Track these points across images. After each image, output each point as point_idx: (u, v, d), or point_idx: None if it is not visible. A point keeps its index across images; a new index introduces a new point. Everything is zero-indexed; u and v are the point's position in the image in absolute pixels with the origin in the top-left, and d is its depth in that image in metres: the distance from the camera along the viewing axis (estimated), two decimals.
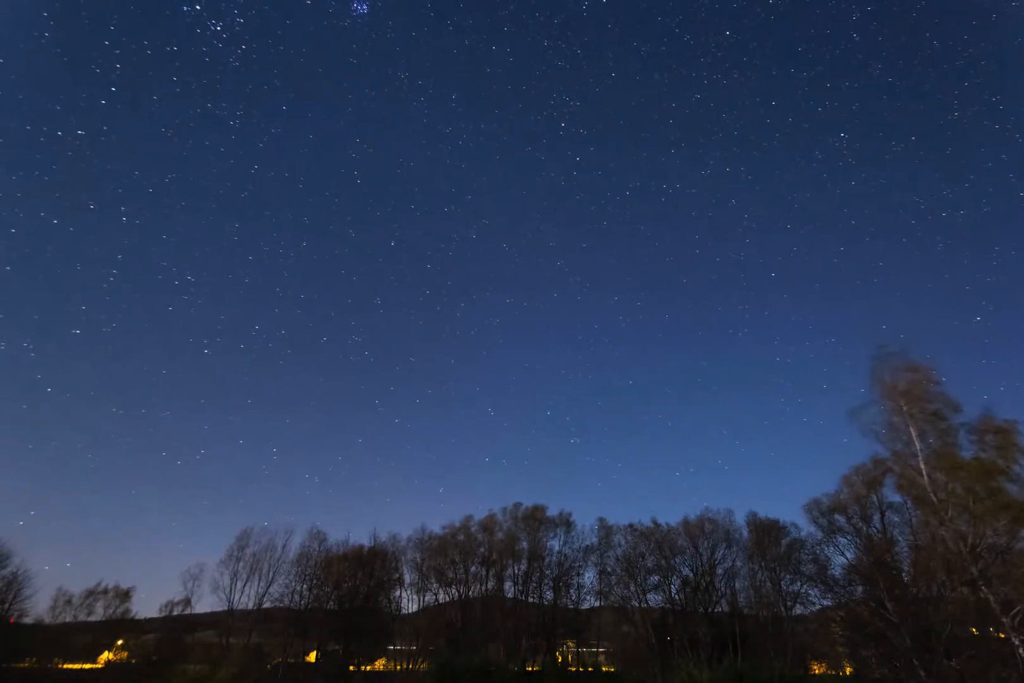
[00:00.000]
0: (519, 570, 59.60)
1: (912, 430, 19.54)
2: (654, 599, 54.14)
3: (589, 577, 60.14)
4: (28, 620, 53.65)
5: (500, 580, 59.27)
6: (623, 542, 57.77)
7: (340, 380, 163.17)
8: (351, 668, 53.37)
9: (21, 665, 51.38)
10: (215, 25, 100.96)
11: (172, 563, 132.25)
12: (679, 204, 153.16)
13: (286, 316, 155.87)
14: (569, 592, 58.78)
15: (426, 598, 59.27)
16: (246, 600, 54.57)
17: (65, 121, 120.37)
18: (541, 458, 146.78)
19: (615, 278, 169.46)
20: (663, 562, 54.02)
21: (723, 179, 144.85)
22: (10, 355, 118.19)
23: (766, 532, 53.87)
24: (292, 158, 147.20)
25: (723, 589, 53.85)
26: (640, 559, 54.90)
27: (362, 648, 55.29)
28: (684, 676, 41.58)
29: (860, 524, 42.76)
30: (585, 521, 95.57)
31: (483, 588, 59.31)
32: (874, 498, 42.37)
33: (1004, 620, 18.19)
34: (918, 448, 19.47)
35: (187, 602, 56.88)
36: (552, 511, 61.81)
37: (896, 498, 39.99)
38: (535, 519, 60.98)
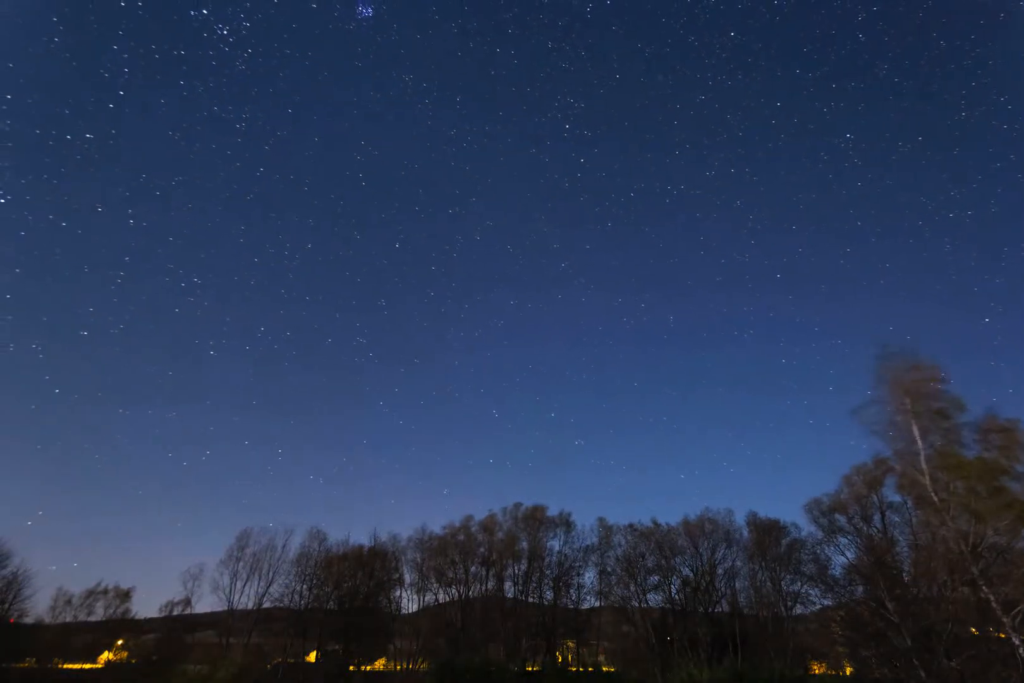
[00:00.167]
0: (519, 570, 59.65)
1: (915, 429, 19.55)
2: (654, 599, 54.23)
3: (589, 577, 60.20)
4: (28, 620, 53.67)
5: (500, 580, 59.30)
6: (623, 542, 57.86)
7: (344, 381, 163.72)
8: (351, 668, 53.38)
9: (21, 665, 51.35)
10: (222, 29, 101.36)
11: (172, 563, 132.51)
12: (683, 205, 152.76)
13: (291, 317, 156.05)
14: (569, 592, 58.84)
15: (426, 598, 59.38)
16: (246, 600, 54.65)
17: (74, 125, 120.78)
18: (545, 460, 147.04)
19: (619, 279, 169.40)
20: (663, 562, 54.05)
21: (728, 180, 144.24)
22: (19, 356, 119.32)
23: (766, 532, 53.90)
24: (297, 160, 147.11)
25: (723, 589, 53.92)
26: (640, 559, 54.93)
27: (362, 648, 55.31)
28: (684, 676, 41.57)
29: (860, 524, 42.83)
30: (585, 521, 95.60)
31: (483, 588, 59.36)
32: (875, 498, 42.46)
33: (1005, 620, 18.20)
34: (920, 447, 19.49)
35: (187, 602, 56.97)
36: (552, 511, 61.94)
37: (896, 498, 40.09)
38: (535, 519, 61.00)
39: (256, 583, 54.78)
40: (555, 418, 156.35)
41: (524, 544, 60.12)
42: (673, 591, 53.33)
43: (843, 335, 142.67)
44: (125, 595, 60.69)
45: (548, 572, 59.08)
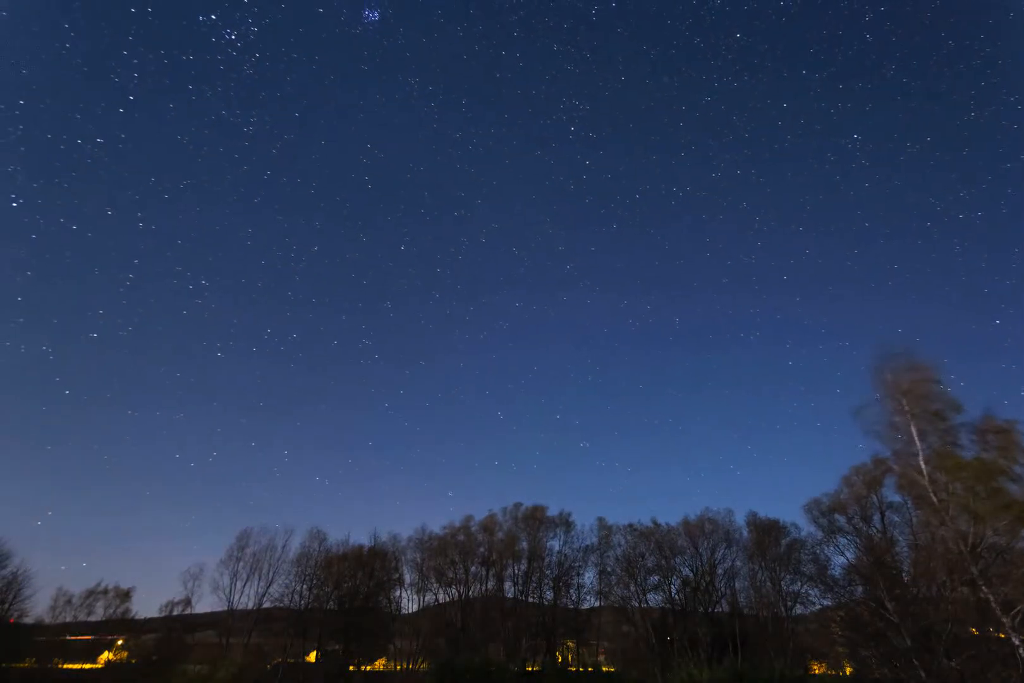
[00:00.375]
0: (519, 570, 59.68)
1: (913, 429, 19.56)
2: (654, 599, 54.27)
3: (589, 577, 60.27)
4: (28, 620, 53.67)
5: (500, 580, 59.34)
6: (623, 542, 57.92)
7: (350, 383, 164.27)
8: (351, 668, 53.39)
9: (21, 665, 51.37)
10: (230, 34, 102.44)
11: (172, 563, 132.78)
12: (689, 207, 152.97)
13: (297, 319, 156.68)
14: (569, 592, 58.88)
15: (426, 598, 59.43)
16: (246, 600, 54.67)
17: (84, 129, 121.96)
18: (550, 462, 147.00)
19: (625, 281, 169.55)
20: (663, 562, 54.07)
21: (734, 182, 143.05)
22: (30, 358, 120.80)
23: (766, 532, 53.91)
24: (304, 163, 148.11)
25: (723, 589, 53.95)
26: (640, 559, 54.96)
27: (362, 648, 55.30)
28: (684, 676, 41.60)
29: (860, 524, 42.84)
30: (585, 521, 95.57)
31: (483, 588, 59.40)
32: (874, 498, 42.47)
33: (1004, 620, 18.19)
34: (919, 448, 19.50)
35: (187, 602, 56.96)
36: (552, 511, 61.97)
37: (896, 498, 40.08)
38: (535, 519, 61.02)
39: (256, 583, 54.89)
40: (560, 420, 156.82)
41: (524, 544, 60.19)
42: (673, 591, 53.41)
43: (850, 337, 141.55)
44: (125, 595, 60.75)
45: (548, 572, 59.13)
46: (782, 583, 51.76)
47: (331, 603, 55.16)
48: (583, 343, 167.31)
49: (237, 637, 53.50)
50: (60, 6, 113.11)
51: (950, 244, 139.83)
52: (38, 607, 60.60)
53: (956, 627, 23.26)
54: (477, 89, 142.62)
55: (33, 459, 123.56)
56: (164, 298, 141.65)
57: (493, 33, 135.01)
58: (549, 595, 58.65)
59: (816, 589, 46.44)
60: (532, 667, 52.99)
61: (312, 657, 54.81)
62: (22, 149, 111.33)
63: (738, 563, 54.45)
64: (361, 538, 71.84)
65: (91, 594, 59.87)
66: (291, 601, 54.32)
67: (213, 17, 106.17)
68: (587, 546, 59.54)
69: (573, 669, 54.10)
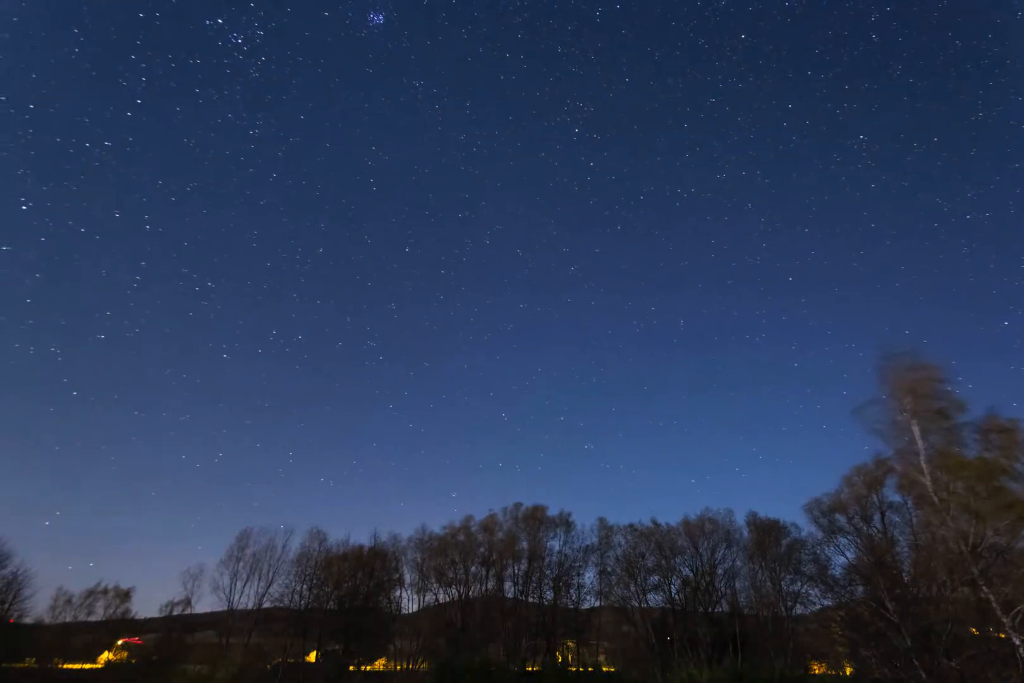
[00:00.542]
0: (519, 570, 59.67)
1: (915, 429, 19.55)
2: (654, 599, 54.27)
3: (589, 577, 60.23)
4: (28, 620, 53.70)
5: (500, 580, 59.32)
6: (623, 542, 57.94)
7: (355, 384, 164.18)
8: (351, 668, 53.36)
9: (21, 665, 51.37)
10: (236, 38, 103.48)
11: (172, 563, 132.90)
12: (694, 208, 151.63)
13: (302, 321, 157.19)
14: (569, 592, 58.87)
15: (426, 598, 59.42)
16: (246, 600, 54.68)
17: (92, 133, 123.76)
18: (554, 464, 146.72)
19: (629, 283, 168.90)
20: (663, 562, 54.07)
21: (739, 183, 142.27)
22: (39, 359, 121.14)
23: (766, 532, 53.92)
24: (310, 166, 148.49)
25: (723, 589, 53.96)
26: (640, 559, 54.95)
27: (362, 648, 55.29)
28: (684, 676, 41.60)
29: (860, 524, 42.82)
30: (585, 521, 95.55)
31: (483, 588, 59.39)
32: (875, 498, 42.45)
33: (1004, 620, 18.19)
34: (921, 447, 19.49)
35: (187, 602, 56.97)
36: (552, 511, 61.96)
37: (896, 498, 40.09)
38: (535, 519, 61.01)
39: (256, 583, 54.89)
40: (564, 422, 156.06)
41: (524, 544, 60.18)
42: (673, 591, 53.41)
43: (856, 339, 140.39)
44: (125, 595, 60.73)
45: (548, 572, 59.12)
46: (782, 583, 51.80)
47: (331, 603, 55.14)
48: (587, 345, 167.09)
49: (237, 637, 53.50)
50: (69, 11, 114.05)
51: (958, 245, 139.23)
52: (38, 607, 60.62)
53: (956, 627, 23.25)
54: (481, 91, 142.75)
55: (41, 459, 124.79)
56: (170, 300, 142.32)
57: (497, 35, 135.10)
58: (549, 595, 58.68)
59: (816, 589, 46.45)
60: (532, 667, 52.97)
61: (312, 657, 54.79)
62: (32, 152, 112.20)
63: (738, 563, 54.55)
64: (362, 539, 71.91)
65: (91, 594, 59.89)
66: (291, 601, 54.34)
67: (220, 21, 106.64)
68: (587, 546, 59.65)
69: (573, 669, 54.04)
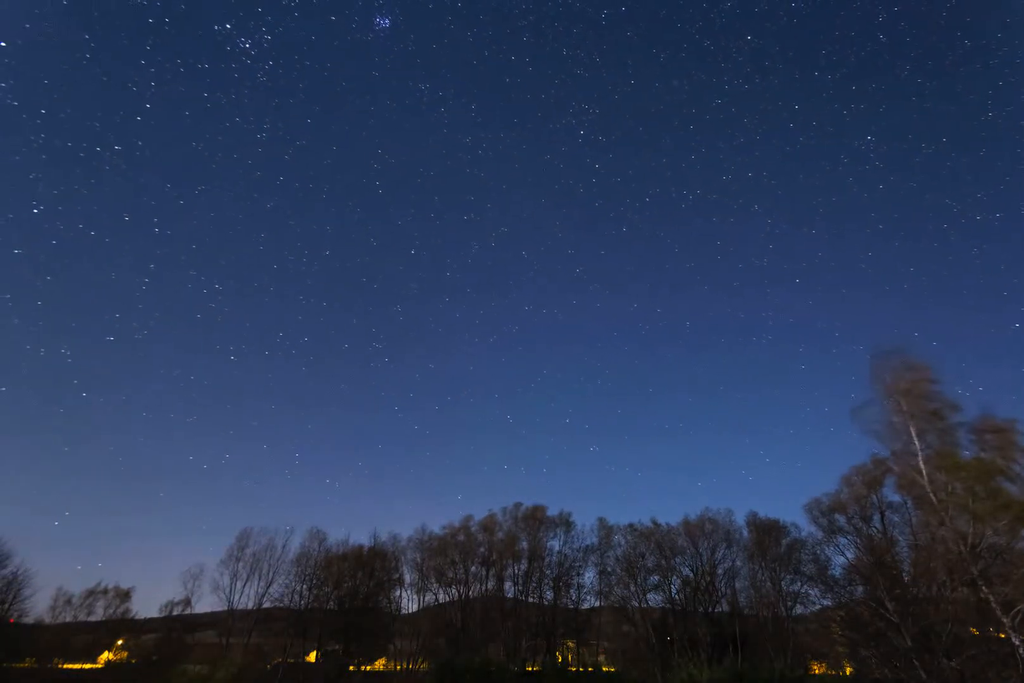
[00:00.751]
0: (519, 570, 59.65)
1: (912, 429, 19.53)
2: (654, 599, 54.23)
3: (589, 577, 60.26)
4: (28, 620, 53.70)
5: (500, 580, 59.31)
6: (623, 542, 57.91)
7: (360, 386, 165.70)
8: (351, 668, 53.38)
9: (21, 665, 51.39)
10: (244, 43, 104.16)
11: (172, 563, 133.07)
12: (700, 210, 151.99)
13: (309, 323, 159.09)
14: (569, 592, 58.84)
15: (426, 598, 59.39)
16: (246, 600, 54.66)
17: (103, 137, 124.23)
18: (559, 465, 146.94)
19: (635, 284, 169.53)
20: (663, 562, 54.02)
21: (745, 184, 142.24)
22: (49, 361, 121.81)
23: (766, 532, 53.86)
24: (316, 169, 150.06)
25: (723, 589, 53.91)
26: (640, 559, 54.91)
27: (362, 648, 55.31)
28: (684, 676, 41.54)
29: (860, 524, 42.70)
30: (585, 521, 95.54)
31: (483, 588, 59.37)
32: (874, 498, 42.33)
33: (1004, 620, 18.16)
34: (918, 447, 19.47)
35: (187, 602, 57.01)
36: (552, 511, 61.92)
37: (896, 498, 39.95)
38: (535, 519, 60.98)
39: (256, 583, 54.87)
40: (569, 424, 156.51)
41: (524, 544, 60.16)
42: (673, 591, 53.36)
43: (864, 341, 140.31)
44: (125, 595, 60.79)
45: (548, 572, 59.09)
46: (782, 583, 51.73)
47: (331, 603, 55.15)
48: (592, 346, 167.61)
49: (237, 637, 53.51)
50: (80, 18, 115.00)
51: (967, 246, 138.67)
52: (38, 607, 60.72)
53: (956, 627, 23.19)
54: (487, 94, 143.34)
55: (50, 460, 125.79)
56: (179, 302, 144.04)
57: (502, 38, 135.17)
58: (549, 595, 58.66)
59: (816, 589, 46.42)
60: (532, 667, 52.95)
61: (312, 657, 54.81)
62: (43, 157, 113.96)
63: (738, 563, 54.50)
64: (362, 538, 71.91)
65: (91, 594, 59.98)
66: (291, 601, 54.34)
67: (228, 26, 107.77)
68: (587, 546, 59.63)
69: (573, 669, 54.01)
